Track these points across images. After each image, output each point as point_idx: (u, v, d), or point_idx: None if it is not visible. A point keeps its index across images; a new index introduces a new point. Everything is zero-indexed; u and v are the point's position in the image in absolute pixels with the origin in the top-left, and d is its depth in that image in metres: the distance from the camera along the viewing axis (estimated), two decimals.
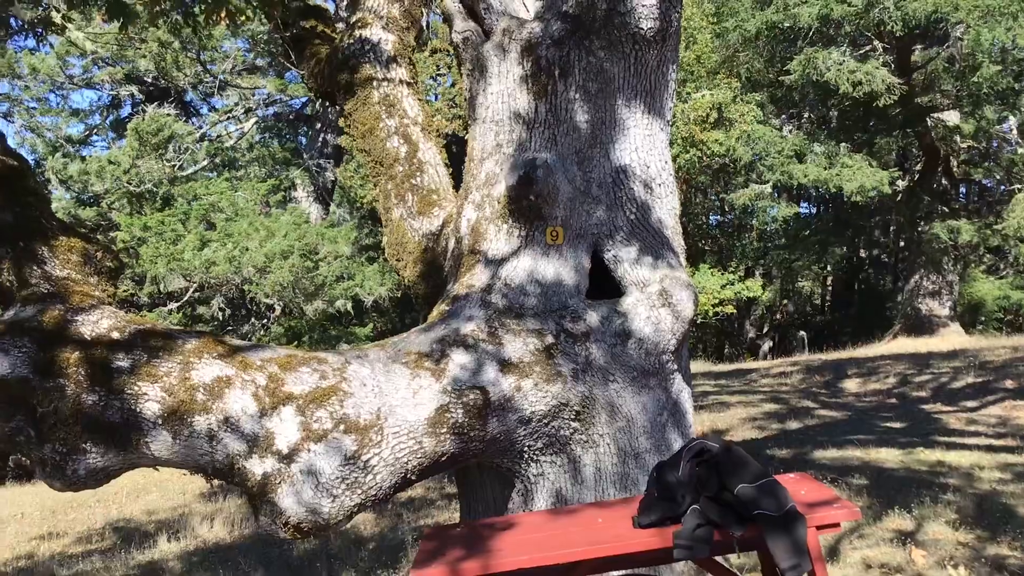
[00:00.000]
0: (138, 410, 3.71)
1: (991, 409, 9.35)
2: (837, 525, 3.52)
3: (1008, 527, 5.18)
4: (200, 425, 3.72)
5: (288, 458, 3.71)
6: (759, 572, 4.09)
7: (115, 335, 3.88)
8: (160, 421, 3.71)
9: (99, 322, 3.93)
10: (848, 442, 7.90)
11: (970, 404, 9.80)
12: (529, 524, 3.71)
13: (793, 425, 9.42)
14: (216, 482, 3.89)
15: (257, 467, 3.72)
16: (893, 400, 10.85)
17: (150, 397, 3.72)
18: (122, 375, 3.74)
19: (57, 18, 5.53)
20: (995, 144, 22.63)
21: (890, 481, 6.38)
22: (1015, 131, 20.25)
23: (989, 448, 7.29)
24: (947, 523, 5.34)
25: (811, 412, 10.30)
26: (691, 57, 18.20)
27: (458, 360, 4.00)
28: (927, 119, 20.07)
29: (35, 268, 4.04)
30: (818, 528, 3.37)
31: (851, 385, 12.38)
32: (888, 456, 7.27)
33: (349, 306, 18.40)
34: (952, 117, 20.38)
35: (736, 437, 8.96)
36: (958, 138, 20.73)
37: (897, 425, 8.85)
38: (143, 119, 17.12)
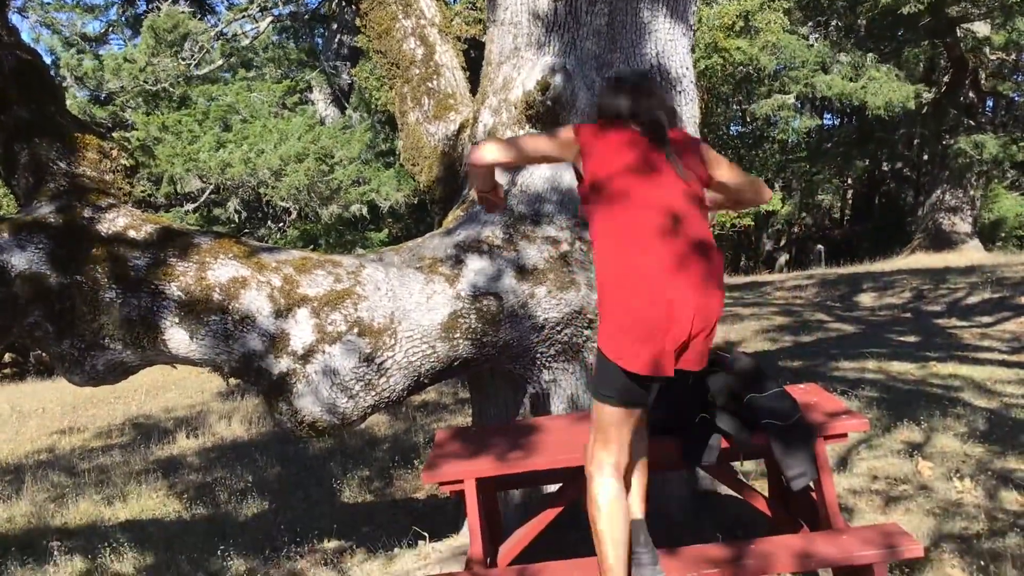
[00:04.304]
0: (155, 308, 3.75)
1: (1006, 325, 9.32)
2: (845, 436, 3.56)
3: (1017, 441, 5.22)
4: (216, 324, 3.76)
5: (303, 359, 3.76)
6: (767, 479, 4.15)
7: (132, 233, 3.90)
8: (177, 319, 3.75)
9: (116, 220, 3.94)
10: (860, 355, 7.91)
11: (985, 320, 9.76)
12: (539, 429, 3.76)
13: (806, 338, 9.43)
14: (233, 381, 3.98)
15: (273, 367, 3.77)
16: (908, 314, 10.83)
17: (167, 295, 3.75)
18: (139, 273, 3.77)
19: None
20: None
21: (901, 394, 6.40)
22: None
23: (1002, 363, 7.28)
24: (956, 436, 5.37)
25: (824, 325, 10.29)
26: None
27: (473, 266, 4.00)
28: (956, 29, 19.56)
29: (51, 165, 4.04)
30: (826, 438, 3.40)
31: (866, 299, 12.35)
32: (900, 369, 7.28)
33: (365, 211, 18.36)
34: (983, 28, 19.86)
35: (748, 348, 8.99)
36: (987, 50, 20.23)
37: (911, 339, 8.85)
38: (159, 15, 16.85)
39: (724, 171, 3.12)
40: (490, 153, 3.11)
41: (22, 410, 10.60)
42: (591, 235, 2.99)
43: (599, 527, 2.86)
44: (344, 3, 19.89)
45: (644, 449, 3.09)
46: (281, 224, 19.11)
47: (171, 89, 17.44)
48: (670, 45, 4.32)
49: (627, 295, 2.79)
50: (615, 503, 2.87)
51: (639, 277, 2.78)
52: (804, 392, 3.82)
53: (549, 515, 3.49)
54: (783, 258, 29.39)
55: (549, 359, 4.12)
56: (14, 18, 21.64)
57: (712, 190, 3.13)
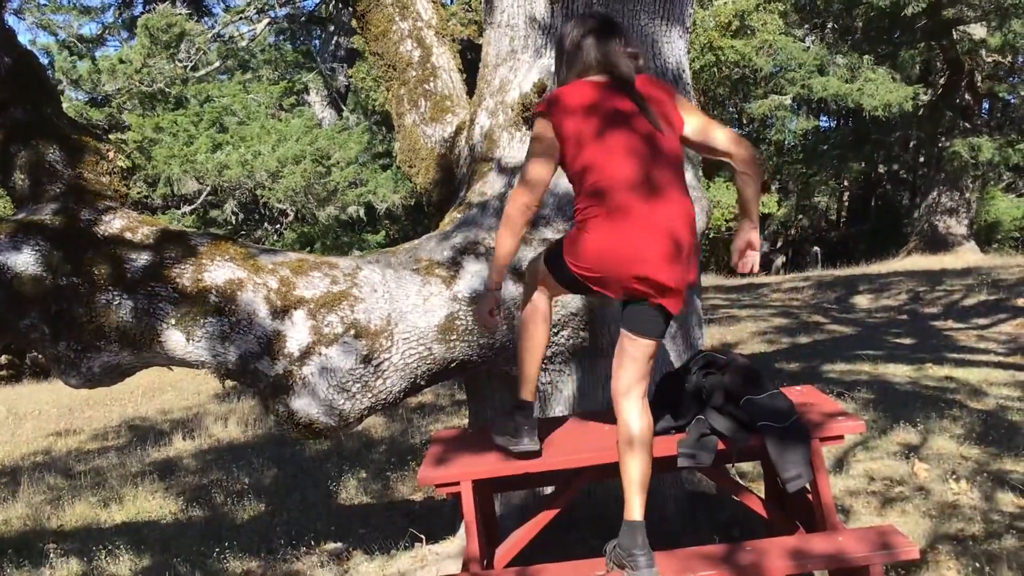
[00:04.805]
0: (152, 310, 3.75)
1: (1002, 327, 9.34)
2: (841, 438, 3.56)
3: (1013, 443, 5.23)
4: (213, 326, 3.76)
5: (300, 361, 3.76)
6: (763, 481, 4.15)
7: (128, 235, 3.90)
8: (173, 321, 3.75)
9: (112, 222, 3.94)
10: (857, 357, 7.92)
11: (981, 321, 9.78)
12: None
13: (802, 340, 9.44)
14: (229, 383, 3.98)
15: (269, 368, 3.77)
16: (904, 316, 10.85)
17: (163, 297, 3.75)
18: (136, 275, 3.77)
19: None
20: (1021, 59, 22.12)
21: (897, 396, 6.41)
22: None
23: (998, 365, 7.29)
24: (952, 438, 5.38)
25: (821, 327, 10.31)
26: None
27: (470, 268, 4.01)
28: (953, 32, 19.58)
29: (48, 167, 4.03)
30: (822, 440, 3.40)
31: (862, 301, 12.37)
32: (896, 371, 7.29)
33: (362, 213, 18.35)
34: (978, 31, 19.89)
35: (745, 350, 9.00)
36: (983, 52, 20.26)
37: (907, 341, 8.86)
38: (154, 16, 16.81)
39: (695, 121, 3.25)
40: (532, 176, 3.16)
41: (18, 412, 10.58)
42: (577, 203, 3.12)
43: (529, 332, 3.35)
44: (341, 5, 19.91)
45: (641, 428, 3.08)
46: (278, 226, 19.09)
47: (167, 90, 17.42)
48: (667, 47, 4.32)
49: (606, 252, 3.02)
50: (543, 319, 3.35)
51: (621, 241, 3.01)
52: (800, 394, 3.83)
53: (546, 517, 3.49)
54: (779, 260, 29.40)
55: (546, 361, 4.11)
56: (10, 20, 21.60)
57: (685, 143, 3.26)
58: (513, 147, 4.34)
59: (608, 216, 3.01)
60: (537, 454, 3.32)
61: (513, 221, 3.16)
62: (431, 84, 5.11)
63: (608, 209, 3.01)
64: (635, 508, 3.03)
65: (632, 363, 3.11)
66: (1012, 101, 23.86)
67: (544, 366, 4.12)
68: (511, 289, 3.93)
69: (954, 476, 4.79)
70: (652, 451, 3.10)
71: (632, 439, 3.05)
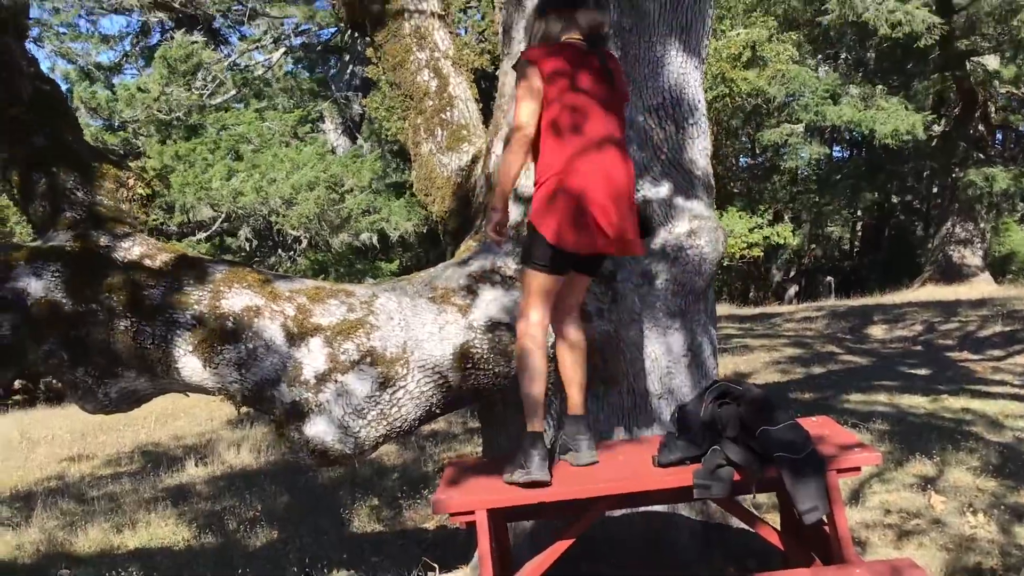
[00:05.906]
0: (169, 336, 3.77)
1: (1018, 358, 9.28)
2: (858, 469, 3.54)
3: None
4: (229, 353, 3.77)
5: (315, 388, 3.77)
6: (779, 512, 4.13)
7: (147, 262, 3.93)
8: (191, 348, 3.77)
9: (131, 249, 3.97)
10: (872, 388, 7.88)
11: (997, 353, 9.73)
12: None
13: (817, 370, 9.41)
14: (243, 409, 4.00)
15: (285, 396, 3.78)
16: (919, 347, 10.80)
17: (181, 324, 3.77)
18: (154, 301, 3.79)
19: None
20: None
21: (913, 427, 6.37)
22: None
23: (1015, 397, 7.25)
24: (969, 470, 5.34)
25: (835, 357, 10.27)
26: None
27: (485, 296, 4.02)
28: (966, 63, 19.62)
29: (68, 194, 4.07)
30: (839, 472, 3.39)
31: (877, 331, 12.31)
32: (912, 402, 7.25)
33: (375, 240, 18.43)
34: (992, 62, 19.91)
35: (759, 380, 8.97)
36: (997, 83, 20.28)
37: (922, 372, 8.81)
38: (171, 46, 17.00)
39: None
40: (523, 134, 3.43)
41: (32, 437, 10.60)
42: (544, 153, 3.45)
43: (531, 364, 3.47)
44: (357, 35, 20.07)
45: (579, 337, 3.68)
46: (292, 253, 19.17)
47: (184, 118, 17.58)
48: (683, 78, 4.34)
49: (572, 200, 3.37)
50: (542, 348, 3.52)
51: (582, 188, 3.37)
52: (816, 425, 3.81)
53: (560, 547, 3.47)
54: (793, 289, 29.31)
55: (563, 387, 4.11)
56: (29, 47, 21.79)
57: None
58: (529, 178, 4.35)
59: (571, 174, 3.36)
60: (547, 484, 3.31)
61: (515, 150, 3.44)
62: (448, 113, 5.15)
63: (572, 167, 3.37)
64: (579, 406, 3.63)
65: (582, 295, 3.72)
66: None
67: (559, 394, 4.12)
68: None
69: (971, 509, 4.76)
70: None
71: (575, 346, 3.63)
